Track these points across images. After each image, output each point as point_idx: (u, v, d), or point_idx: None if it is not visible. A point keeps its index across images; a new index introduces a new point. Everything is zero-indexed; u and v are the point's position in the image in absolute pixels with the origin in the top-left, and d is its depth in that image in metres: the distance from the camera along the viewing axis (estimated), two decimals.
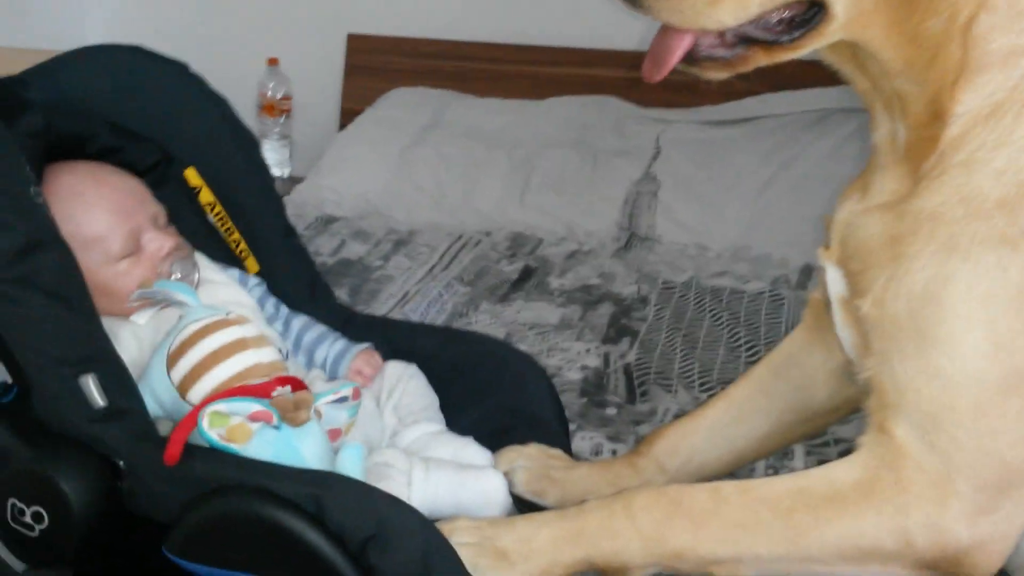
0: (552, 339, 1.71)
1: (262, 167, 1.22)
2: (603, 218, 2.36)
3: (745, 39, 0.82)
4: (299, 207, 2.42)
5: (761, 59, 0.82)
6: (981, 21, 0.76)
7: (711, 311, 1.89)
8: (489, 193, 2.48)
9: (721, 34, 0.82)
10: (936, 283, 0.75)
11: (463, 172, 2.53)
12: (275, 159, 3.00)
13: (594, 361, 1.62)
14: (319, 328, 1.17)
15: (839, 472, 0.80)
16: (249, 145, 1.20)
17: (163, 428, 0.93)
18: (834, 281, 0.88)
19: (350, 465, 0.90)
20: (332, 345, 1.15)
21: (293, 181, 2.87)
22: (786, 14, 0.79)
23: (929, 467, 0.76)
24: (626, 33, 2.84)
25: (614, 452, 1.33)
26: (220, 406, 0.86)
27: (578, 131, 2.65)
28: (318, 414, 0.92)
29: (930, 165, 0.79)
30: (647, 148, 2.58)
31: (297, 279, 1.22)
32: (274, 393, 0.90)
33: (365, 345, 1.16)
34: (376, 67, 2.98)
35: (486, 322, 1.77)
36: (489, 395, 1.16)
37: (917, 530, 0.76)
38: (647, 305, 1.91)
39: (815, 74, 2.57)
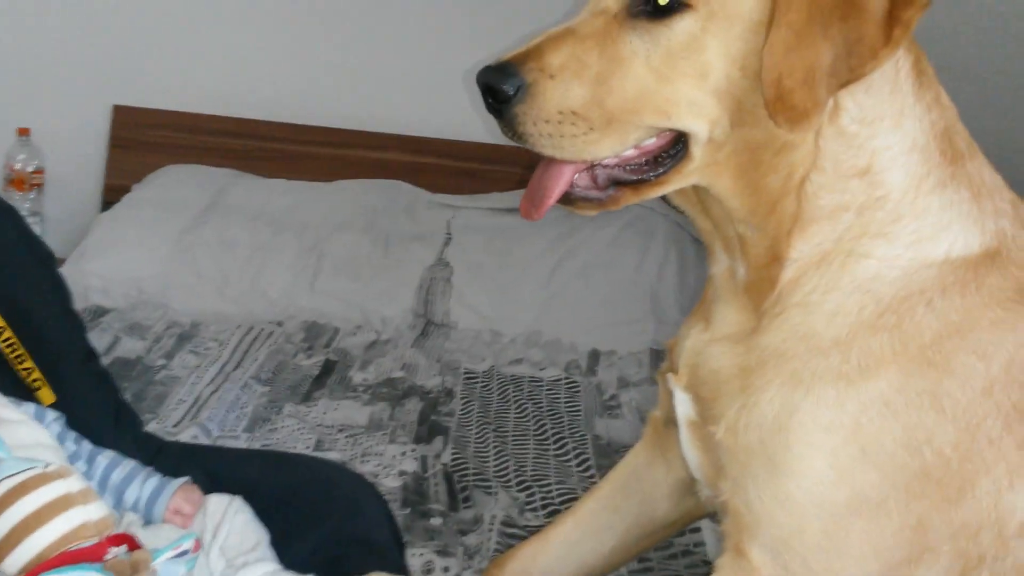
0: (364, 442, 1.66)
1: (59, 285, 1.10)
2: (398, 304, 2.35)
3: (615, 181, 0.86)
4: None
5: (630, 198, 0.87)
6: (812, 180, 0.84)
7: (515, 401, 1.93)
8: (278, 279, 2.38)
9: (593, 177, 0.86)
10: (784, 414, 0.82)
11: (248, 257, 2.41)
12: None
13: (411, 465, 1.59)
14: (128, 464, 1.05)
15: None
16: (45, 261, 1.07)
17: None
18: (682, 404, 0.93)
19: None
20: (145, 483, 1.04)
21: None
22: (652, 155, 0.85)
23: None
24: (414, 118, 2.89)
25: (446, 569, 1.30)
26: None
27: (369, 215, 2.63)
28: (153, 572, 0.82)
29: (770, 303, 0.87)
30: (439, 233, 2.61)
31: (100, 409, 1.10)
32: (107, 556, 0.80)
33: (182, 480, 1.06)
34: (146, 141, 2.79)
35: (292, 427, 1.68)
36: (321, 523, 1.10)
37: None
38: (453, 398, 1.91)
39: None
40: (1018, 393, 0.80)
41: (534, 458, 1.69)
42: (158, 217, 2.48)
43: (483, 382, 2.02)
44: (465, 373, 2.05)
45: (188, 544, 0.88)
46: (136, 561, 0.79)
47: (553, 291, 2.43)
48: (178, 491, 1.04)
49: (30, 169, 2.73)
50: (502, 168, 2.85)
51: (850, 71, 0.79)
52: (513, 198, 2.76)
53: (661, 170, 0.86)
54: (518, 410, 1.88)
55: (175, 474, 1.08)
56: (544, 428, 1.80)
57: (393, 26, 2.83)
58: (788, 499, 0.81)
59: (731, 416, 0.85)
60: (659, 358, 2.19)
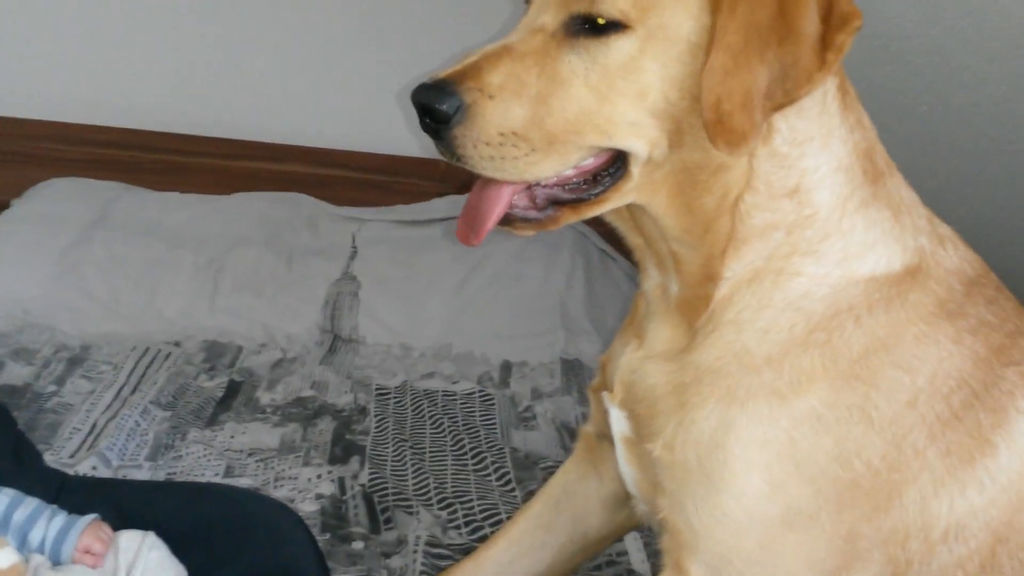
0: (277, 466, 1.60)
1: None
2: (304, 320, 2.28)
3: (554, 201, 0.85)
4: None
5: (569, 217, 0.87)
6: (746, 200, 0.86)
7: (430, 416, 1.90)
8: (174, 297, 2.27)
9: (532, 197, 0.85)
10: (720, 431, 0.83)
11: (141, 274, 2.30)
12: None
13: (328, 488, 1.54)
14: (30, 503, 0.98)
15: None
16: None
17: None
18: (617, 421, 0.93)
19: None
20: (51, 522, 0.97)
21: None
22: (593, 166, 0.84)
23: None
24: (313, 129, 2.82)
25: None
26: None
27: (270, 228, 2.55)
28: None
29: (704, 320, 0.88)
30: (343, 247, 2.56)
31: None
32: None
33: (91, 517, 0.99)
34: (26, 154, 2.63)
35: (199, 453, 1.60)
36: (241, 555, 1.05)
37: None
38: (367, 416, 1.87)
39: None
40: (941, 404, 0.83)
41: (454, 474, 1.66)
42: (41, 234, 2.34)
43: (396, 398, 1.98)
44: (377, 389, 2.00)
45: None
46: None
47: (462, 304, 2.42)
48: (87, 529, 0.97)
49: None
50: (406, 180, 2.82)
51: (785, 94, 0.81)
52: (419, 210, 2.74)
53: (600, 189, 0.86)
54: (434, 425, 1.85)
55: (81, 511, 1.01)
56: (462, 443, 1.78)
57: (292, 32, 2.75)
58: (725, 515, 0.83)
59: (668, 433, 0.86)
60: (570, 368, 2.20)
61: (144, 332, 2.13)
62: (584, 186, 0.86)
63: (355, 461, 1.65)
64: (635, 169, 0.85)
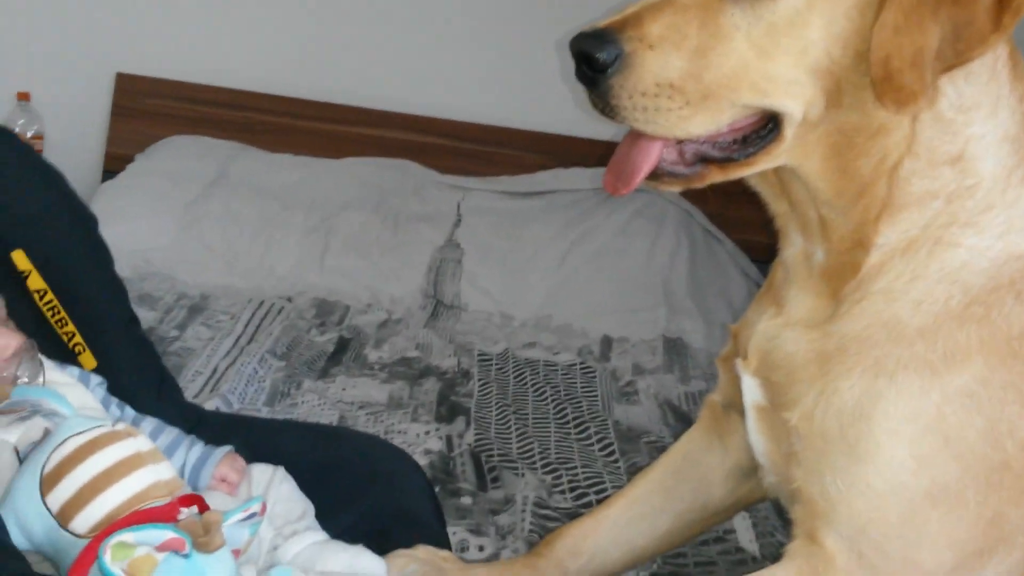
0: (387, 420, 1.64)
1: (102, 248, 1.07)
2: (408, 284, 2.32)
3: (702, 158, 0.85)
4: None
5: (716, 176, 0.86)
6: (905, 165, 0.82)
7: (532, 384, 1.91)
8: (286, 255, 2.34)
9: (681, 152, 0.85)
10: (865, 402, 0.81)
11: (256, 231, 2.37)
12: None
13: (436, 444, 1.57)
14: (171, 432, 1.03)
15: None
16: (87, 224, 1.04)
17: (35, 566, 0.76)
18: (751, 390, 0.92)
19: None
20: (190, 451, 1.01)
21: None
22: (746, 125, 0.83)
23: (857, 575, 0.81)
24: (418, 97, 2.85)
25: (480, 547, 1.28)
26: (126, 536, 0.72)
27: (378, 194, 2.59)
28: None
29: (851, 289, 0.86)
30: (448, 215, 2.59)
31: (142, 376, 1.07)
32: (180, 516, 0.77)
33: (227, 449, 1.04)
34: (149, 111, 2.74)
35: (314, 402, 1.65)
36: (362, 496, 1.08)
37: None
38: (470, 379, 1.89)
39: (598, 152, 2.74)
40: None
41: (557, 441, 1.67)
42: (163, 188, 2.44)
43: (498, 364, 2.00)
44: (479, 355, 2.03)
45: (256, 507, 0.86)
46: (208, 522, 0.77)
47: (564, 276, 2.42)
48: (223, 459, 1.02)
49: (29, 134, 2.67)
50: (507, 151, 2.83)
51: (956, 55, 0.78)
52: (523, 182, 2.75)
53: (751, 150, 0.84)
54: (536, 393, 1.87)
55: (216, 444, 1.05)
56: (564, 412, 1.79)
57: (405, 3, 2.79)
58: (867, 486, 0.81)
59: (808, 402, 0.84)
60: (673, 347, 2.18)
61: (257, 286, 2.20)
62: (735, 145, 0.84)
63: (460, 421, 1.68)
64: (788, 131, 0.83)
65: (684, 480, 1.05)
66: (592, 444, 1.68)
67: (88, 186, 2.63)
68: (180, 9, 2.75)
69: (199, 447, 1.03)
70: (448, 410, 1.73)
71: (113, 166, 2.65)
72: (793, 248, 0.92)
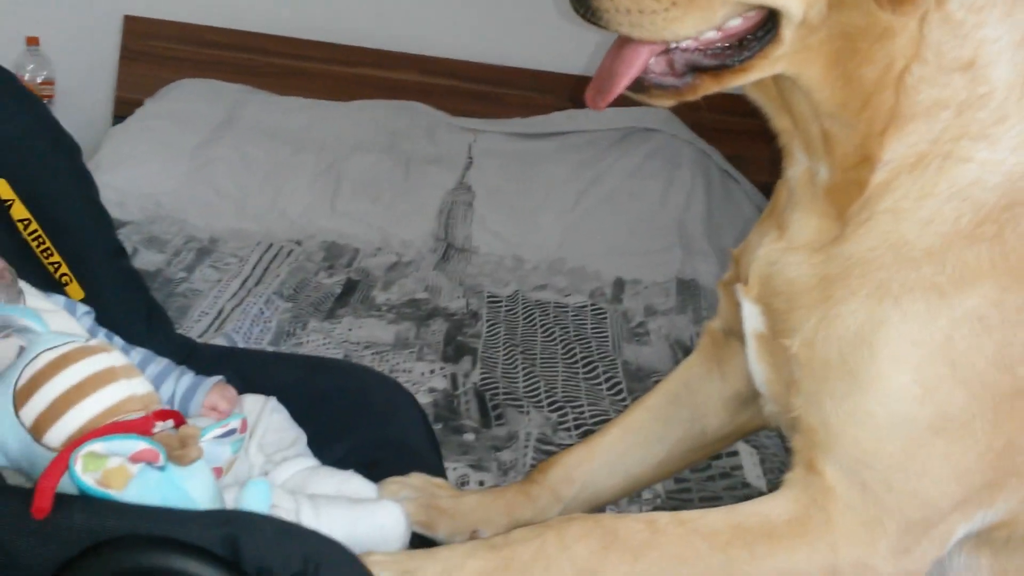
0: (392, 359, 1.63)
1: (85, 177, 1.04)
2: (418, 228, 2.30)
3: (693, 67, 0.80)
4: None
5: (709, 86, 0.80)
6: (913, 72, 0.76)
7: (542, 325, 1.89)
8: (297, 198, 2.32)
9: (670, 62, 0.80)
10: (868, 327, 0.77)
11: (266, 175, 2.35)
12: None
13: (441, 383, 1.56)
14: (161, 362, 1.01)
15: (772, 508, 0.81)
16: (70, 152, 1.02)
17: (8, 480, 0.76)
18: (751, 317, 0.89)
19: (258, 503, 0.78)
20: (179, 380, 1.00)
21: None
22: (740, 28, 0.78)
23: (858, 507, 0.78)
24: (430, 38, 2.80)
25: (481, 482, 1.28)
26: (96, 446, 0.71)
27: (388, 136, 2.56)
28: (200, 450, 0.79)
29: (856, 208, 0.81)
30: (459, 157, 2.55)
31: (130, 307, 1.05)
32: (155, 429, 0.76)
33: (217, 378, 1.02)
34: (157, 54, 2.71)
35: (318, 342, 1.65)
36: (356, 427, 1.06)
37: (846, 568, 0.78)
38: (479, 320, 1.87)
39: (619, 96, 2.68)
40: None
41: (564, 380, 1.66)
42: (172, 132, 2.42)
43: (508, 306, 1.98)
44: (489, 297, 2.01)
45: (236, 423, 0.85)
46: (184, 436, 0.76)
47: (576, 218, 2.38)
48: (214, 388, 1.00)
49: (39, 80, 2.65)
50: (517, 92, 2.77)
51: None
52: (535, 123, 2.69)
53: (747, 54, 0.78)
54: (545, 334, 1.85)
55: (209, 374, 1.04)
56: (573, 352, 1.77)
57: None
58: (869, 415, 0.77)
59: (808, 328, 0.80)
60: (686, 288, 2.15)
61: (268, 229, 2.19)
62: (728, 51, 0.79)
63: (467, 361, 1.67)
64: (787, 32, 0.77)
65: (681, 407, 1.02)
66: (600, 383, 1.66)
67: (98, 130, 2.61)
68: None
69: (189, 376, 1.01)
70: (455, 350, 1.71)
71: (123, 111, 2.63)
72: (797, 167, 0.87)
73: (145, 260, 1.92)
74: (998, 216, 0.76)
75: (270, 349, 1.59)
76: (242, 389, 1.06)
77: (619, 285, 2.17)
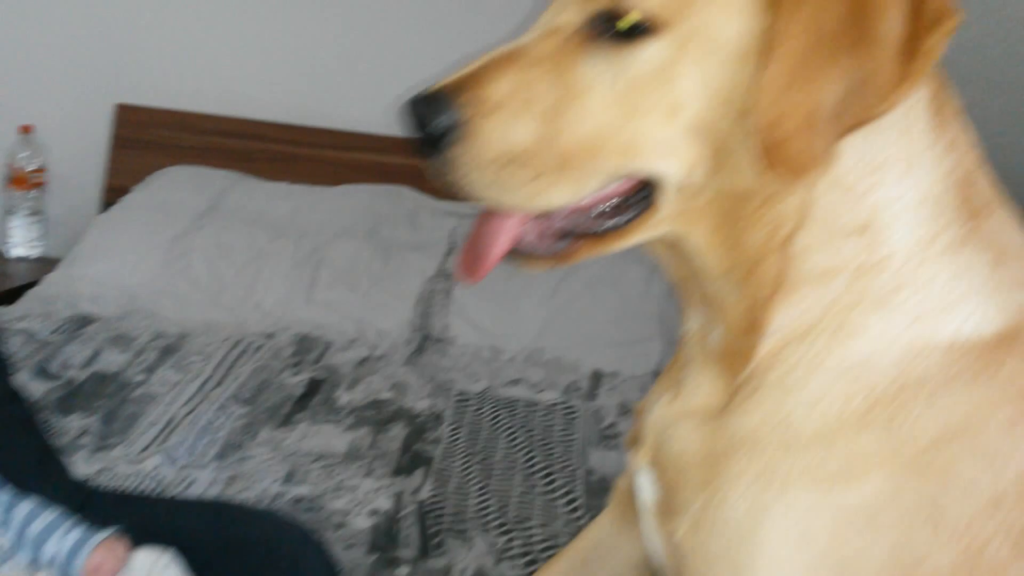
0: (339, 474, 1.57)
1: None
2: (395, 317, 2.26)
3: (569, 232, 0.75)
4: (48, 302, 2.13)
5: (589, 251, 0.75)
6: (800, 237, 0.71)
7: (507, 429, 1.83)
8: (273, 288, 2.30)
9: (544, 227, 0.75)
10: (751, 520, 0.70)
11: (244, 264, 2.34)
12: (23, 237, 2.67)
13: (385, 503, 1.50)
14: (48, 516, 0.97)
15: None
16: None
17: None
18: (646, 487, 0.82)
19: None
20: (66, 536, 0.96)
21: (46, 263, 2.56)
22: (614, 200, 0.74)
23: None
24: None
25: None
26: None
27: (371, 221, 2.54)
28: None
29: (744, 377, 0.75)
30: (441, 242, 2.52)
31: (22, 453, 1.02)
32: None
33: (107, 533, 0.98)
34: (148, 141, 2.73)
35: (264, 455, 1.60)
36: None
37: None
38: (441, 423, 1.82)
39: None
40: None
41: (520, 495, 1.59)
42: (154, 221, 2.42)
43: (476, 405, 1.92)
44: (457, 396, 1.95)
45: None
46: None
47: (557, 307, 2.33)
48: (99, 546, 0.96)
49: (32, 167, 2.68)
50: None
51: (859, 113, 0.66)
52: None
53: (625, 219, 0.74)
54: (509, 439, 1.78)
55: (105, 524, 1.00)
56: (533, 460, 1.71)
57: (396, 26, 2.74)
58: None
59: (695, 511, 0.74)
60: None
61: (242, 321, 2.17)
62: (606, 215, 0.74)
63: (419, 474, 1.61)
64: (665, 198, 0.72)
65: (591, 572, 0.95)
66: (557, 499, 1.59)
67: (88, 218, 2.63)
68: (179, 39, 2.74)
69: (77, 532, 0.97)
70: (410, 460, 1.66)
71: (113, 198, 2.65)
72: (692, 323, 0.82)
73: (107, 361, 1.90)
74: (891, 399, 0.69)
75: (214, 465, 1.55)
76: (140, 539, 1.01)
77: (596, 379, 2.11)
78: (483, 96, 0.70)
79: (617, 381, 2.09)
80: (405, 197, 2.66)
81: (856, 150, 0.70)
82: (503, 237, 0.74)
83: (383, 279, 2.36)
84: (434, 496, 1.54)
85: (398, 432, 1.76)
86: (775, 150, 0.67)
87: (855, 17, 0.65)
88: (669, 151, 0.70)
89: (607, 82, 0.69)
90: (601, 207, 0.74)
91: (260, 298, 2.27)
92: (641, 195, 0.73)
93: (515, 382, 2.06)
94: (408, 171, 2.74)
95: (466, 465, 1.67)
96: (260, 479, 1.52)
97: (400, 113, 0.72)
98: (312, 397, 1.87)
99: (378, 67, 2.76)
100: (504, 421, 1.86)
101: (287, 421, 1.75)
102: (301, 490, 1.50)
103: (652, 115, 0.69)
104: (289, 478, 1.54)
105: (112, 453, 1.54)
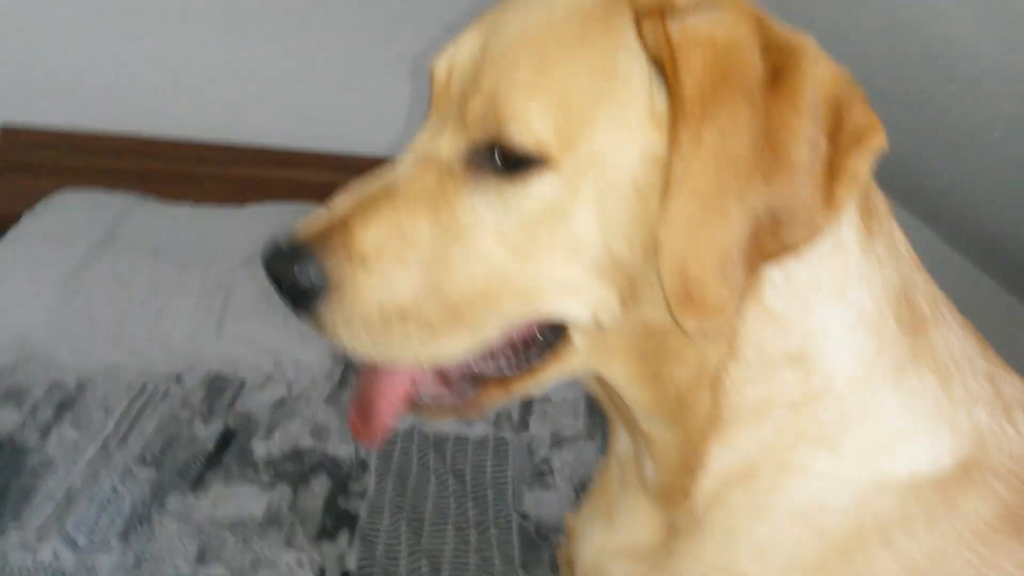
0: (256, 545, 1.47)
1: None
2: (314, 347, 2.14)
3: (472, 377, 0.67)
4: None
5: (496, 395, 0.68)
6: (730, 371, 0.65)
7: (436, 474, 1.75)
8: (180, 323, 2.16)
9: (443, 375, 0.67)
10: None
11: (146, 298, 2.18)
12: None
13: None
14: None
15: None
16: None
17: None
18: None
19: None
20: None
21: None
22: (521, 332, 0.66)
23: None
24: (331, 134, 2.67)
25: None
26: None
27: None
28: None
29: (683, 517, 0.69)
30: None
31: None
32: None
33: None
34: (36, 164, 2.54)
35: (174, 531, 1.48)
36: None
37: None
38: (366, 472, 1.72)
39: None
40: None
41: (453, 552, 1.51)
42: (47, 254, 2.24)
43: (402, 445, 1.83)
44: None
45: None
46: None
47: None
48: None
49: None
50: None
51: (779, 245, 0.60)
52: None
53: (534, 358, 0.67)
54: (439, 485, 1.70)
55: None
56: (465, 510, 1.63)
57: (304, 33, 2.60)
58: None
59: None
60: (596, 407, 2.03)
61: (146, 363, 2.02)
62: (512, 357, 0.67)
63: (344, 538, 1.52)
64: (577, 337, 0.66)
65: None
66: (492, 555, 1.52)
67: None
68: (68, 52, 2.55)
69: None
70: (334, 521, 1.56)
71: (3, 227, 2.46)
72: (621, 445, 0.75)
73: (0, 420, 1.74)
74: (850, 548, 0.64)
75: (117, 548, 1.42)
76: None
77: (527, 405, 2.04)
78: (353, 244, 0.62)
79: (548, 406, 2.03)
80: None
81: (782, 276, 0.64)
82: (393, 394, 0.67)
83: None
84: (362, 564, 1.45)
85: (320, 487, 1.66)
86: (686, 298, 0.60)
87: (765, 143, 0.58)
88: (573, 291, 0.63)
89: (495, 221, 0.62)
90: (507, 348, 0.67)
91: (166, 335, 2.12)
92: (550, 332, 0.66)
93: None
94: (322, 187, 2.61)
95: (394, 522, 1.58)
96: (169, 559, 1.41)
97: (261, 261, 0.64)
98: (226, 450, 1.75)
99: (284, 74, 2.62)
100: (433, 463, 1.78)
101: (199, 483, 1.63)
102: (215, 571, 1.39)
103: (550, 256, 0.62)
104: (201, 556, 1.43)
105: (4, 540, 1.40)
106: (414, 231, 0.62)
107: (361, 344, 0.62)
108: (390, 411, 0.67)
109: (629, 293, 0.63)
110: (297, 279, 0.61)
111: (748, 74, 0.58)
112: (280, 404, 1.95)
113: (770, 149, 0.58)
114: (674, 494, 0.70)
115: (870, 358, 0.65)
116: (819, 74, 0.59)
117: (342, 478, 1.69)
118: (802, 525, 0.65)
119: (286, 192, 2.62)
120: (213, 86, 2.61)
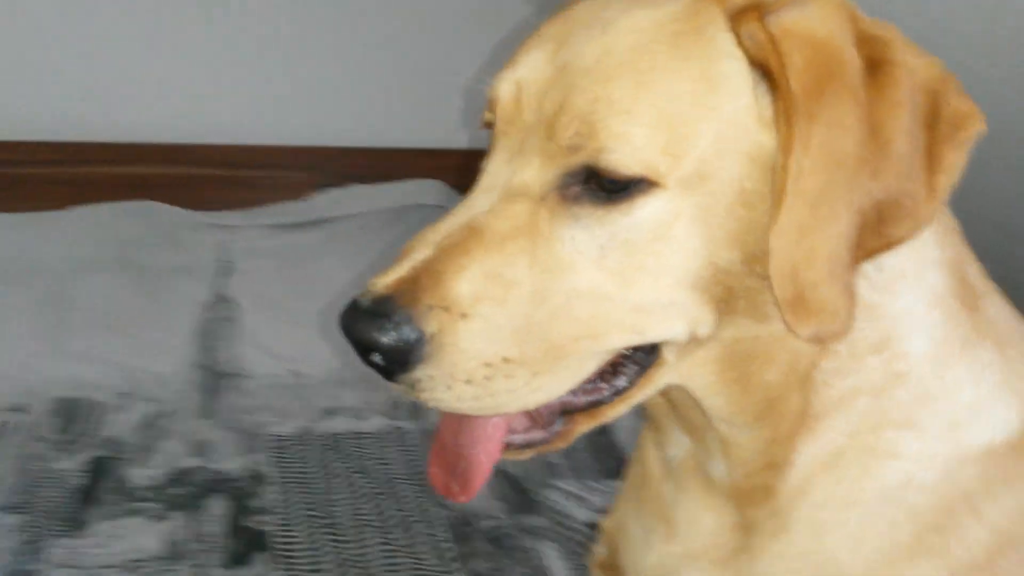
0: None
1: None
2: (173, 357, 1.95)
3: (562, 411, 0.65)
4: None
5: (585, 425, 0.65)
6: (822, 368, 0.65)
7: (343, 478, 1.63)
8: (11, 345, 1.90)
9: (534, 415, 0.64)
10: None
11: None
12: None
13: None
14: None
15: None
16: None
17: None
18: None
19: None
20: None
21: None
22: (608, 373, 0.64)
23: None
24: (166, 122, 2.43)
25: None
26: None
27: (120, 247, 2.20)
28: None
29: (765, 515, 0.67)
30: (209, 261, 2.22)
31: None
32: None
33: None
34: None
35: None
36: None
37: None
38: (265, 484, 1.59)
39: (377, 163, 2.47)
40: None
41: (383, 559, 1.42)
42: None
43: (298, 451, 1.71)
44: (273, 443, 1.72)
45: None
46: None
47: None
48: None
49: None
50: (283, 173, 2.48)
51: (882, 241, 0.60)
52: (298, 209, 2.43)
53: (624, 383, 0.64)
54: (349, 489, 1.60)
55: None
56: (383, 510, 1.54)
57: (126, 10, 2.33)
58: None
59: None
60: None
61: None
62: (602, 384, 0.64)
63: (259, 562, 1.39)
64: (670, 355, 0.64)
65: None
66: (425, 554, 1.44)
67: None
68: None
69: None
70: (246, 545, 1.43)
71: None
72: (677, 448, 0.73)
73: None
74: (941, 523, 0.64)
75: None
76: None
77: None
78: (448, 298, 0.57)
79: None
80: (158, 213, 2.32)
81: (875, 268, 0.65)
82: (489, 443, 0.63)
83: (147, 313, 2.05)
84: None
85: (219, 507, 1.51)
86: (800, 304, 0.59)
87: (872, 138, 0.58)
88: (674, 311, 0.61)
89: (598, 251, 0.59)
90: (596, 378, 0.64)
91: None
92: (643, 354, 0.65)
93: (331, 412, 1.86)
94: (157, 181, 2.38)
95: (310, 535, 1.46)
96: None
97: (340, 329, 0.57)
98: (100, 483, 1.55)
99: (106, 61, 2.34)
100: (335, 466, 1.67)
101: (76, 523, 1.44)
102: None
103: (655, 278, 0.60)
104: None
105: None
106: (512, 273, 0.58)
107: (464, 402, 0.58)
108: (488, 461, 0.63)
109: (727, 303, 0.62)
110: (391, 340, 0.55)
111: (848, 69, 0.57)
112: (148, 424, 1.75)
113: (876, 144, 0.57)
114: (754, 493, 0.68)
115: (943, 336, 0.66)
116: (914, 64, 0.59)
117: (239, 495, 1.55)
118: (895, 507, 0.65)
119: (116, 191, 2.37)
120: (21, 77, 2.29)
